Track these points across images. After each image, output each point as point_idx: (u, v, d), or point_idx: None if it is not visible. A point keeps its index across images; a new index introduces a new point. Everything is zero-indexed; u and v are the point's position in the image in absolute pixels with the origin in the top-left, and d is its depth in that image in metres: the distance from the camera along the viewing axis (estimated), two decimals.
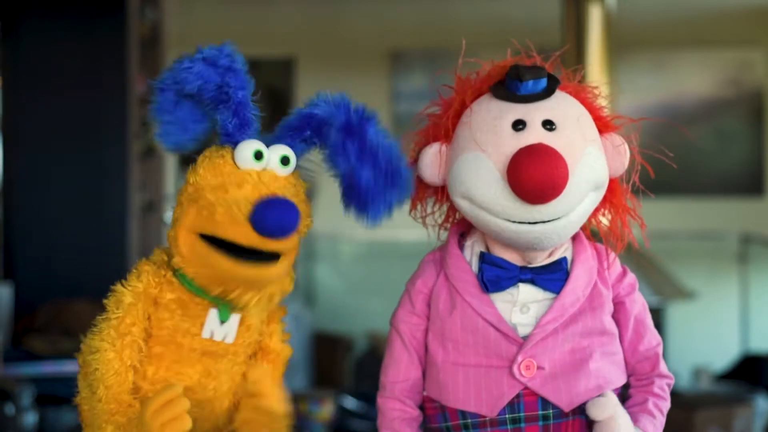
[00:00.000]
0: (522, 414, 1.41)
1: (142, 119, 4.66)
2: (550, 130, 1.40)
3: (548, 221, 1.39)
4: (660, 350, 1.50)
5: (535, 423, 1.41)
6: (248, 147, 1.40)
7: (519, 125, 1.41)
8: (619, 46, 4.29)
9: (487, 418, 1.42)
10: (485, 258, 1.46)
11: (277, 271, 1.38)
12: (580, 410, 1.42)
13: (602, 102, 1.49)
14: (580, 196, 1.40)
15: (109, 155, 4.41)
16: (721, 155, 6.06)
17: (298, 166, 1.44)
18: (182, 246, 1.39)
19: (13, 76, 4.47)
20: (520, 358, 1.41)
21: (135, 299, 1.41)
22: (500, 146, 1.40)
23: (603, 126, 1.47)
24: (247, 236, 1.33)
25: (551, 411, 1.41)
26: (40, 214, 4.45)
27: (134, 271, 1.44)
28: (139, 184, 4.54)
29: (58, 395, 3.48)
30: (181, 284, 1.41)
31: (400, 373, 1.50)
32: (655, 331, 1.51)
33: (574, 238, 1.49)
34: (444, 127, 1.50)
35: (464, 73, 1.51)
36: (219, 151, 1.42)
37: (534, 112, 1.42)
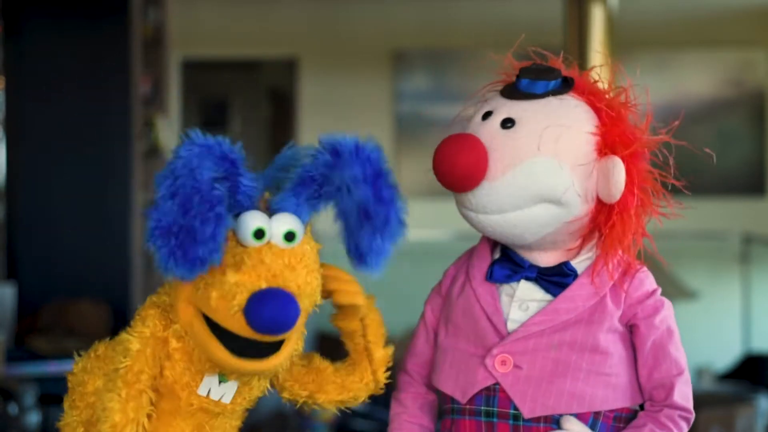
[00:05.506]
0: (495, 409, 1.41)
1: (145, 119, 4.67)
2: (507, 128, 1.41)
3: (482, 214, 1.41)
4: (678, 381, 1.43)
5: (506, 421, 1.40)
6: (248, 224, 1.30)
7: (487, 116, 1.43)
8: (621, 47, 4.30)
9: (466, 406, 1.43)
10: (503, 250, 1.47)
11: (279, 360, 1.33)
12: (554, 420, 1.40)
13: (631, 120, 1.45)
14: (515, 201, 1.39)
15: (112, 155, 4.41)
16: (722, 155, 6.07)
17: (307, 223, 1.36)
18: (182, 316, 1.33)
19: (16, 76, 4.48)
20: (495, 351, 1.41)
21: (143, 345, 1.33)
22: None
23: (609, 145, 1.42)
24: (242, 329, 1.27)
25: (521, 412, 1.40)
26: (43, 214, 4.46)
27: (138, 316, 1.36)
28: (142, 184, 4.55)
29: (62, 395, 3.48)
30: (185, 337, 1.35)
31: (415, 349, 1.54)
32: (678, 361, 1.44)
33: (600, 250, 1.45)
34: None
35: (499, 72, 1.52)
36: None
37: (505, 108, 1.43)
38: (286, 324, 1.26)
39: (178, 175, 1.23)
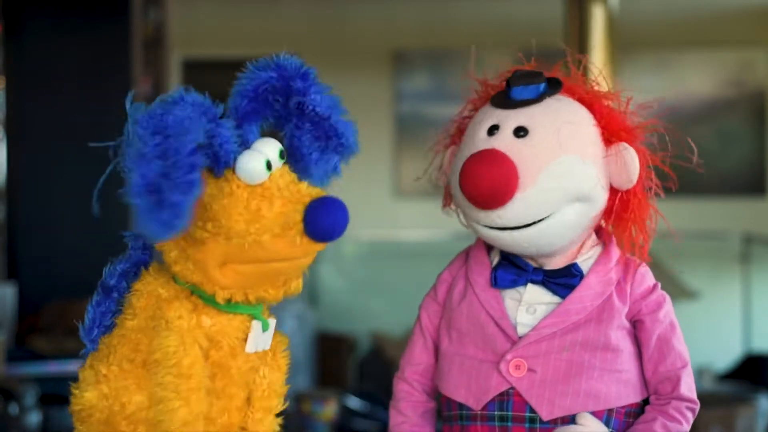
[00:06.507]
0: (510, 413, 1.41)
1: None
2: (522, 136, 1.40)
3: (515, 228, 1.39)
4: (683, 373, 1.45)
5: (522, 425, 1.41)
6: (254, 161, 1.30)
7: (494, 130, 1.42)
8: (621, 47, 4.30)
9: (478, 412, 1.43)
10: (503, 254, 1.47)
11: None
12: (571, 420, 1.41)
13: (621, 109, 1.46)
14: (548, 205, 1.39)
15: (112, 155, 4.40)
16: (723, 155, 6.07)
17: None
18: (223, 280, 1.30)
19: (17, 77, 4.48)
20: (509, 357, 1.41)
21: (182, 337, 1.29)
22: (471, 151, 1.42)
23: (614, 134, 1.44)
24: (306, 252, 1.27)
25: (538, 415, 1.40)
26: (43, 214, 4.46)
27: (161, 311, 1.32)
28: None
29: (62, 395, 3.48)
30: (215, 308, 1.33)
31: (413, 357, 1.54)
32: (682, 354, 1.46)
33: (605, 248, 1.47)
34: (454, 129, 1.52)
35: (483, 76, 1.52)
36: (220, 185, 1.30)
37: (511, 118, 1.42)
38: (345, 222, 1.26)
39: (169, 134, 1.22)
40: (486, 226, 1.42)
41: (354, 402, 4.21)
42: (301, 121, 1.35)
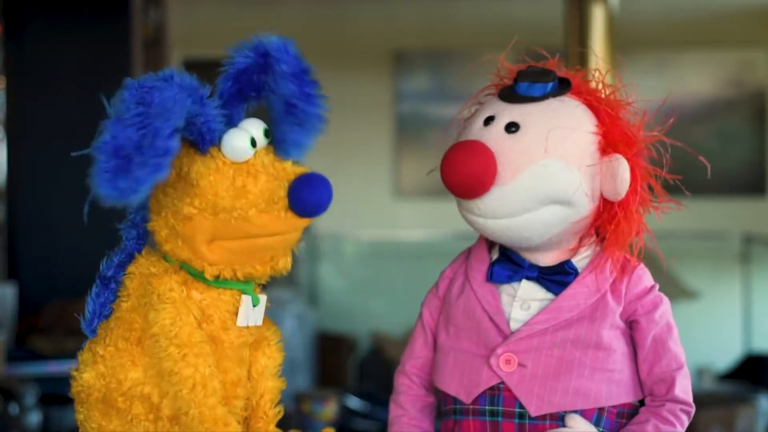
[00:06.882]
0: (500, 408, 1.42)
1: None
2: (512, 132, 1.41)
3: (491, 219, 1.41)
4: (679, 375, 1.44)
5: (512, 420, 1.41)
6: (239, 138, 1.33)
7: (489, 121, 1.43)
8: (621, 47, 4.30)
9: (470, 406, 1.43)
10: (501, 250, 1.48)
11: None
12: (560, 417, 1.41)
13: (629, 118, 1.46)
14: (525, 203, 1.39)
15: None
16: (723, 155, 6.07)
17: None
18: (210, 256, 1.33)
19: (17, 77, 4.48)
20: (499, 351, 1.42)
21: (176, 308, 1.33)
22: (464, 138, 1.44)
23: (612, 144, 1.43)
24: (290, 226, 1.31)
25: (527, 410, 1.41)
26: (43, 214, 4.46)
27: (151, 286, 1.35)
28: None
29: (62, 395, 3.48)
30: (204, 283, 1.36)
31: (413, 351, 1.55)
32: (678, 356, 1.45)
33: (604, 248, 1.47)
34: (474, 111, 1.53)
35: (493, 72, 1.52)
36: (207, 162, 1.33)
37: (507, 112, 1.43)
38: (329, 198, 1.30)
39: (152, 111, 1.24)
40: (465, 210, 1.44)
41: (354, 402, 4.21)
42: (275, 87, 1.36)
